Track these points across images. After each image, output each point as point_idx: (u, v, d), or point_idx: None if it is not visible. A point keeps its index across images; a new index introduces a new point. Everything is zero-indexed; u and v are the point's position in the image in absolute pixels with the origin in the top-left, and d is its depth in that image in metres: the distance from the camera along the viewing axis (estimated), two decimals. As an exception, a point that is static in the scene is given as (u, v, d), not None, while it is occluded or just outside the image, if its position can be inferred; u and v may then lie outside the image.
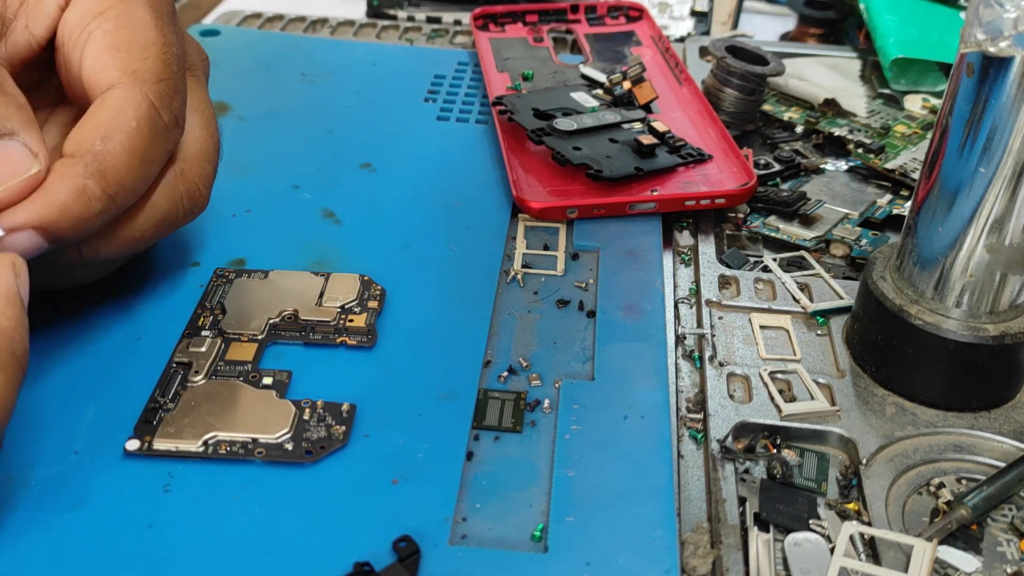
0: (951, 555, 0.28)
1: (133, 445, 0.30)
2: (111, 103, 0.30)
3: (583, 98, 0.49)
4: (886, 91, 0.55)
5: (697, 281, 0.40)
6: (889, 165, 0.48)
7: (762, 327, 0.37)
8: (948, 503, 0.30)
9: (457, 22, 0.64)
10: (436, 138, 0.49)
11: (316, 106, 0.51)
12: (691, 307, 0.39)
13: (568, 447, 0.31)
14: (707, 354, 0.35)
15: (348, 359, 0.34)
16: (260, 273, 0.37)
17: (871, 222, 0.44)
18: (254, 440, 0.30)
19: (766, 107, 0.53)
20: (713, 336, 0.36)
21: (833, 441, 0.32)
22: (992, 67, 0.29)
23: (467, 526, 0.28)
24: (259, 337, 0.34)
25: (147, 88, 0.30)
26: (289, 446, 0.30)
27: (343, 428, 0.31)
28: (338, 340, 0.34)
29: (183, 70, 0.33)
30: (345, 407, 0.31)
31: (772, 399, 0.33)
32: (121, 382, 0.32)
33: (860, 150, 0.49)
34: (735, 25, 0.66)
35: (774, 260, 0.41)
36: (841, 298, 0.38)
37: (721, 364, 0.35)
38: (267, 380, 0.32)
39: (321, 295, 0.36)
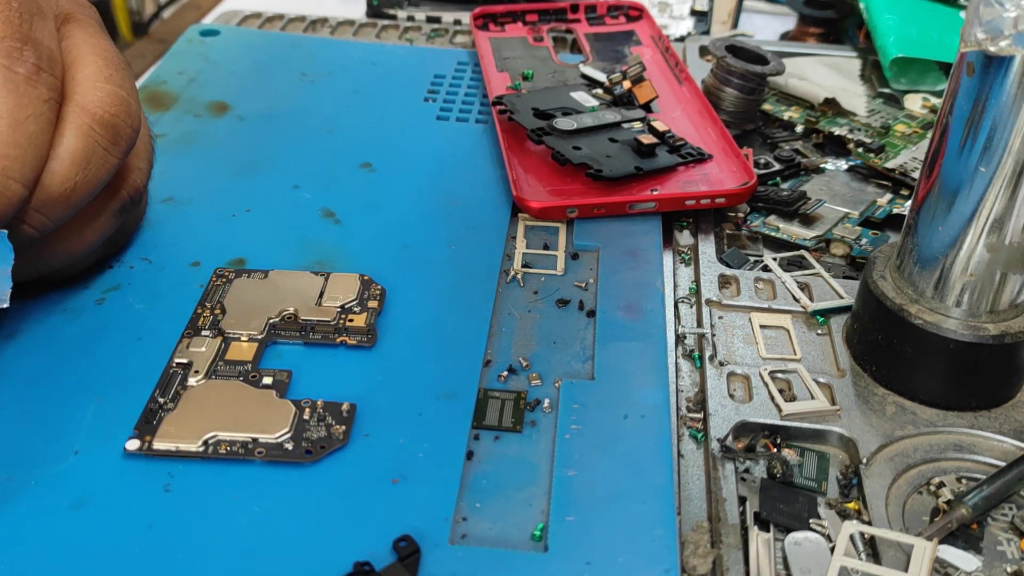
0: (951, 554, 0.28)
1: (133, 445, 0.30)
2: None
3: (583, 97, 0.49)
4: (886, 90, 0.55)
5: (697, 280, 0.40)
6: (889, 164, 0.48)
7: (762, 326, 0.37)
8: (948, 502, 0.30)
9: (457, 22, 0.64)
10: (436, 138, 0.49)
11: (316, 106, 0.51)
12: (691, 306, 0.39)
13: (568, 447, 0.31)
14: (707, 353, 0.35)
15: (348, 359, 0.34)
16: (260, 273, 0.37)
17: (871, 221, 0.44)
18: (254, 440, 0.30)
19: (766, 106, 0.53)
20: (713, 335, 0.36)
21: (833, 440, 0.32)
22: (992, 66, 0.29)
23: (467, 525, 0.28)
24: (259, 337, 0.34)
25: None
26: (289, 446, 0.30)
27: (343, 428, 0.31)
28: (338, 340, 0.34)
29: (28, 18, 0.31)
30: (345, 407, 0.31)
31: (772, 398, 0.33)
32: (121, 382, 0.32)
33: (860, 149, 0.49)
34: (735, 24, 0.66)
35: (774, 259, 0.41)
36: (841, 297, 0.38)
37: (721, 363, 0.35)
38: (267, 380, 0.32)
39: (321, 295, 0.36)
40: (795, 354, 0.36)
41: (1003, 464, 0.31)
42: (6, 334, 0.34)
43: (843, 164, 0.49)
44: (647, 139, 0.45)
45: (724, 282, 0.40)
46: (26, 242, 0.31)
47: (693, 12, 0.65)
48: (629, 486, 0.29)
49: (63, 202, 0.31)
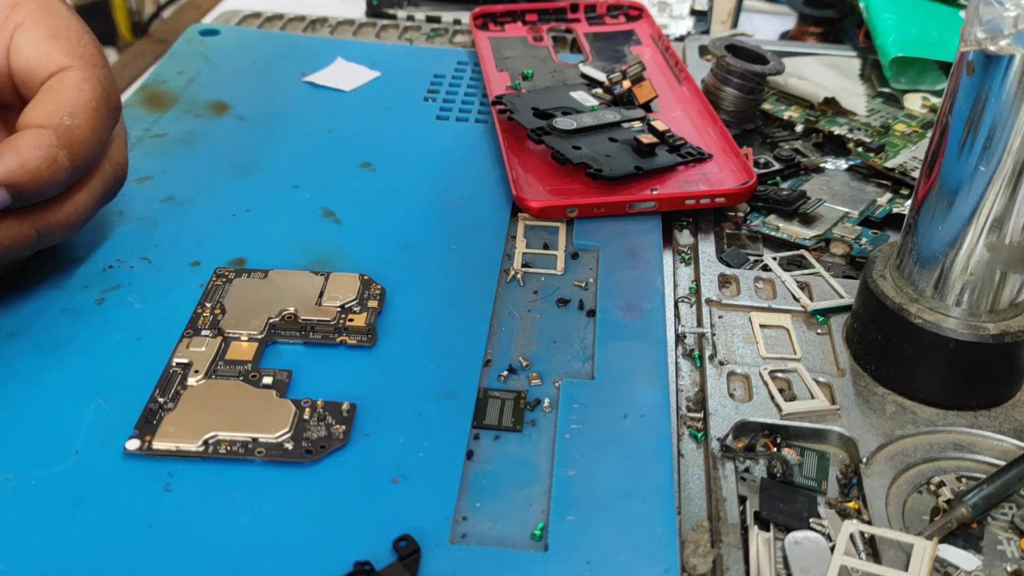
0: (951, 553, 0.28)
1: (133, 445, 0.30)
2: (70, 83, 0.33)
3: (583, 97, 0.49)
4: (886, 90, 0.55)
5: (697, 280, 0.40)
6: (889, 164, 0.48)
7: (762, 326, 0.37)
8: (948, 502, 0.30)
9: (456, 21, 0.64)
10: (436, 137, 0.49)
11: (316, 106, 0.51)
12: (691, 306, 0.39)
13: (568, 446, 0.31)
14: (707, 353, 0.35)
15: (348, 359, 0.34)
16: (260, 273, 0.37)
17: (871, 221, 0.44)
18: (254, 440, 0.30)
19: (766, 106, 0.53)
20: (713, 335, 0.36)
21: (833, 440, 0.32)
22: (992, 66, 0.29)
23: (467, 525, 0.28)
24: (259, 337, 0.34)
25: (98, 72, 0.34)
26: (289, 445, 0.30)
27: (343, 427, 0.31)
28: (338, 340, 0.34)
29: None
30: (345, 406, 0.31)
31: (772, 398, 0.33)
32: (121, 382, 0.32)
33: (860, 149, 0.49)
34: (735, 24, 0.66)
35: (774, 259, 0.41)
36: (841, 297, 0.38)
37: (721, 363, 0.35)
38: (267, 380, 0.32)
39: (321, 294, 0.36)
40: (795, 353, 0.36)
41: (1003, 463, 0.31)
42: (6, 334, 0.34)
43: (843, 163, 0.49)
44: (647, 139, 0.45)
45: (724, 281, 0.40)
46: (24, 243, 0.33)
47: (693, 11, 0.65)
48: (629, 485, 0.29)
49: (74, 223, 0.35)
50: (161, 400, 0.31)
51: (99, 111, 0.33)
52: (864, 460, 0.31)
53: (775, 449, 0.32)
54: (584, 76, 0.53)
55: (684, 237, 0.43)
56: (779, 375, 0.35)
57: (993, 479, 0.30)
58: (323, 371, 0.33)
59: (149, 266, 0.38)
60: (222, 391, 0.32)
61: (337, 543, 0.27)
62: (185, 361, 0.33)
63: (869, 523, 0.29)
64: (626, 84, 0.49)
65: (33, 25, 0.34)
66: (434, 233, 0.41)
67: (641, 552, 0.27)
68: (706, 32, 0.64)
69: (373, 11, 0.66)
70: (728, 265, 0.41)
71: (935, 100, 0.54)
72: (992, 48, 0.28)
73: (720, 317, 0.38)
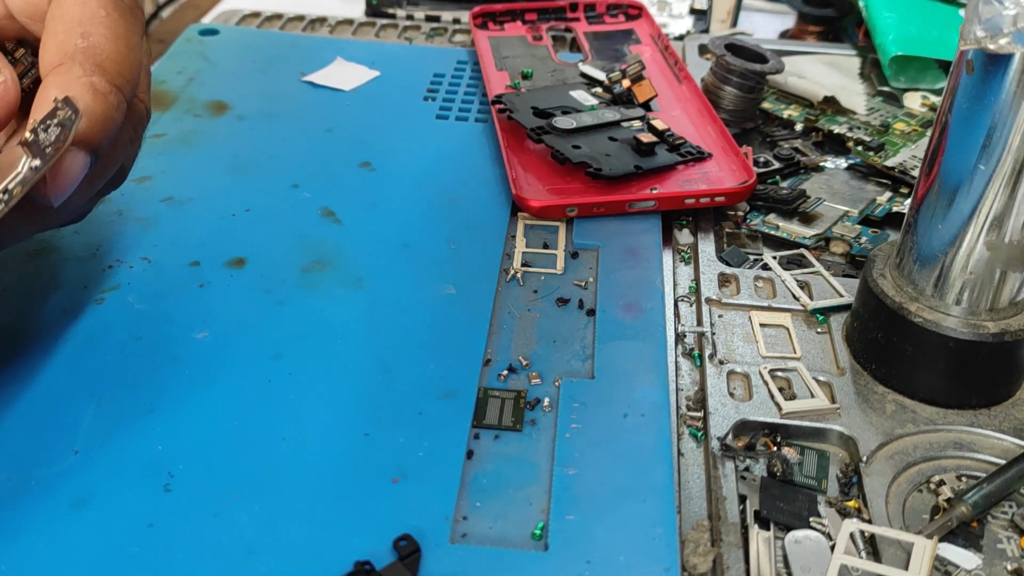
0: (951, 552, 0.28)
1: None
2: (68, 2, 0.29)
3: (582, 96, 0.49)
4: (885, 89, 0.55)
5: (697, 279, 0.40)
6: (889, 163, 0.48)
7: (762, 325, 0.37)
8: (948, 500, 0.30)
9: (456, 20, 0.64)
10: (435, 137, 0.49)
11: (315, 105, 0.51)
12: (691, 305, 0.39)
13: (568, 445, 0.31)
14: (707, 352, 0.35)
15: (348, 356, 0.34)
16: None
17: (871, 220, 0.44)
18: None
19: (765, 105, 0.53)
20: (713, 334, 0.36)
21: (833, 439, 0.32)
22: (992, 64, 0.29)
23: (467, 525, 0.28)
24: None
25: None
26: None
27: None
28: None
29: None
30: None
31: (772, 397, 0.33)
32: (121, 382, 0.32)
33: (860, 148, 0.49)
34: (734, 23, 0.66)
35: (774, 258, 0.41)
36: (841, 296, 0.38)
37: (721, 362, 0.35)
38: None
39: None
40: (795, 352, 0.36)
41: (1003, 462, 0.31)
42: (6, 334, 0.34)
43: (843, 162, 0.49)
44: (646, 138, 0.45)
45: (724, 281, 0.40)
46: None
47: (692, 10, 0.65)
48: (629, 485, 0.29)
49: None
50: None
51: (112, 16, 0.29)
52: (864, 459, 0.31)
53: (775, 448, 0.32)
54: (584, 75, 0.53)
55: (684, 236, 0.43)
56: (779, 374, 0.35)
57: (993, 478, 0.30)
58: (323, 370, 0.33)
59: (149, 266, 0.38)
60: None
61: (337, 543, 0.27)
62: None
63: (869, 522, 0.29)
64: (626, 83, 0.49)
65: None
66: (434, 233, 0.41)
67: (641, 551, 0.27)
68: (706, 31, 0.64)
69: (372, 10, 0.66)
70: (728, 264, 0.41)
71: (935, 99, 0.54)
72: (992, 47, 0.28)
73: (720, 316, 0.38)
